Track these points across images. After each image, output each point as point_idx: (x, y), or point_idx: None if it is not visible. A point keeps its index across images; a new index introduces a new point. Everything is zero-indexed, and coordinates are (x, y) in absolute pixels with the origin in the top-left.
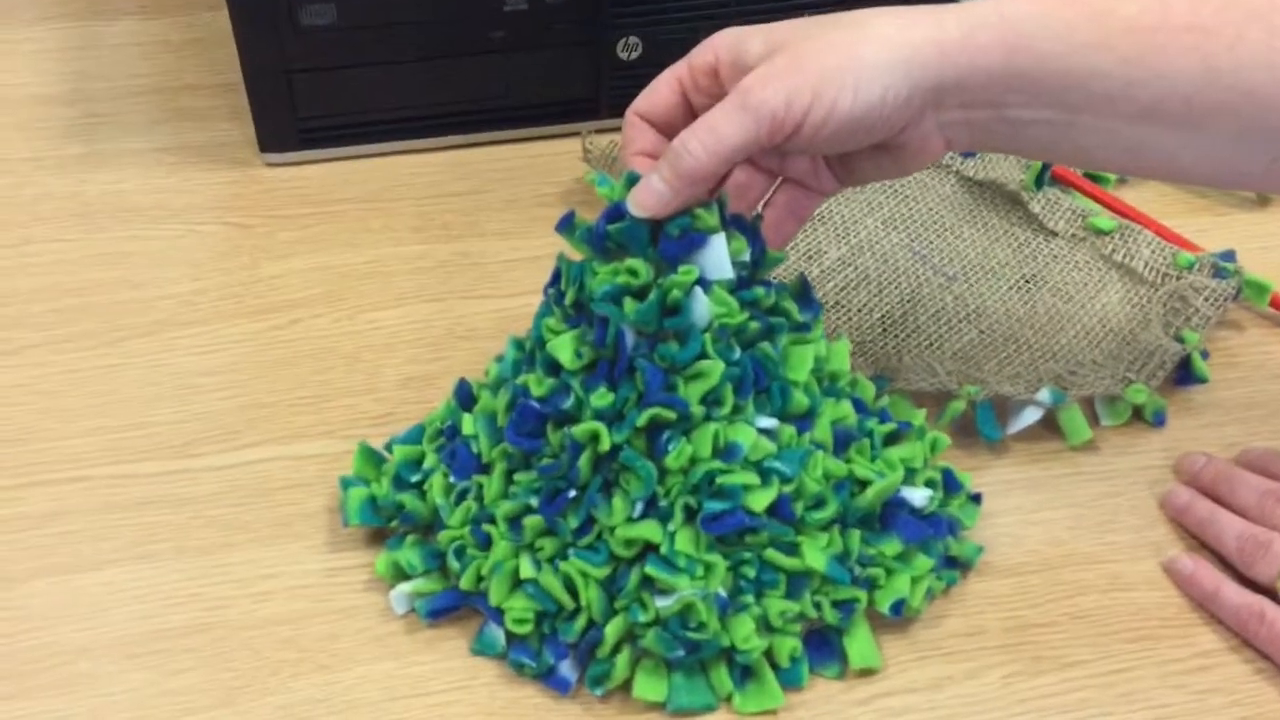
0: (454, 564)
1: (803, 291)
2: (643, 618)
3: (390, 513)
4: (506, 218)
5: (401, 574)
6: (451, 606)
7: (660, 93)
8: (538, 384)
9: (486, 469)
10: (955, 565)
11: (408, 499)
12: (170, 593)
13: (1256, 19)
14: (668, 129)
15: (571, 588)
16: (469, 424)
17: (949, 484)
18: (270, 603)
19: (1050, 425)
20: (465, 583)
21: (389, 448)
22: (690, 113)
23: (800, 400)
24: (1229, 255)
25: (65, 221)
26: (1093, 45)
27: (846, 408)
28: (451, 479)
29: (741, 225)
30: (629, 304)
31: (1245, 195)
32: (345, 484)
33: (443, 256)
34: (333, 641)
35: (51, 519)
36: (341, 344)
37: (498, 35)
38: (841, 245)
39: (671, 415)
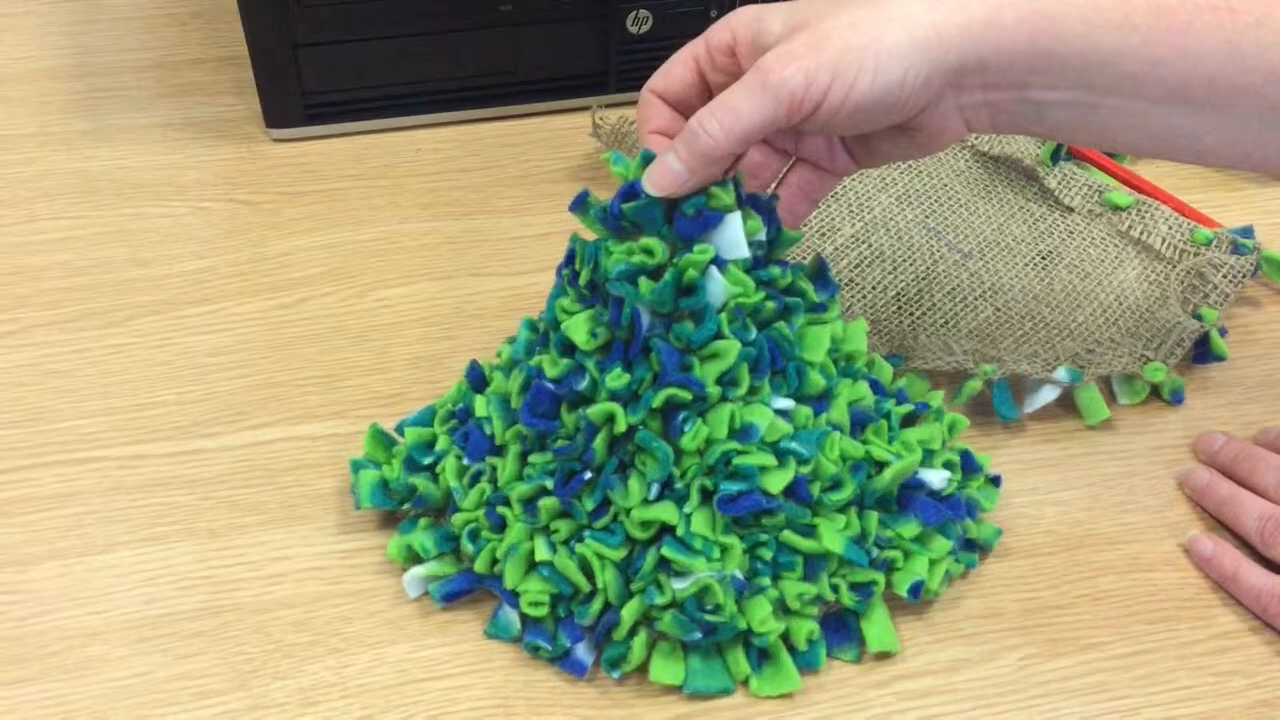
0: (468, 547)
1: (819, 272)
2: (659, 600)
3: (402, 495)
4: (515, 193)
5: (414, 557)
6: (466, 590)
7: (676, 71)
8: (552, 365)
9: (500, 451)
10: (974, 548)
11: (420, 482)
12: (181, 575)
13: None
14: (684, 107)
15: (587, 570)
16: (482, 406)
17: (967, 466)
18: (282, 585)
19: (1067, 404)
20: (480, 565)
21: (400, 430)
22: (707, 91)
23: (816, 381)
24: (1247, 231)
25: (71, 198)
26: (1117, 25)
27: (864, 389)
28: (465, 461)
29: (757, 205)
30: (644, 284)
31: None
32: (356, 466)
33: (451, 233)
34: (345, 624)
35: (61, 501)
36: (350, 323)
37: (506, 8)
38: (855, 222)
39: (687, 396)
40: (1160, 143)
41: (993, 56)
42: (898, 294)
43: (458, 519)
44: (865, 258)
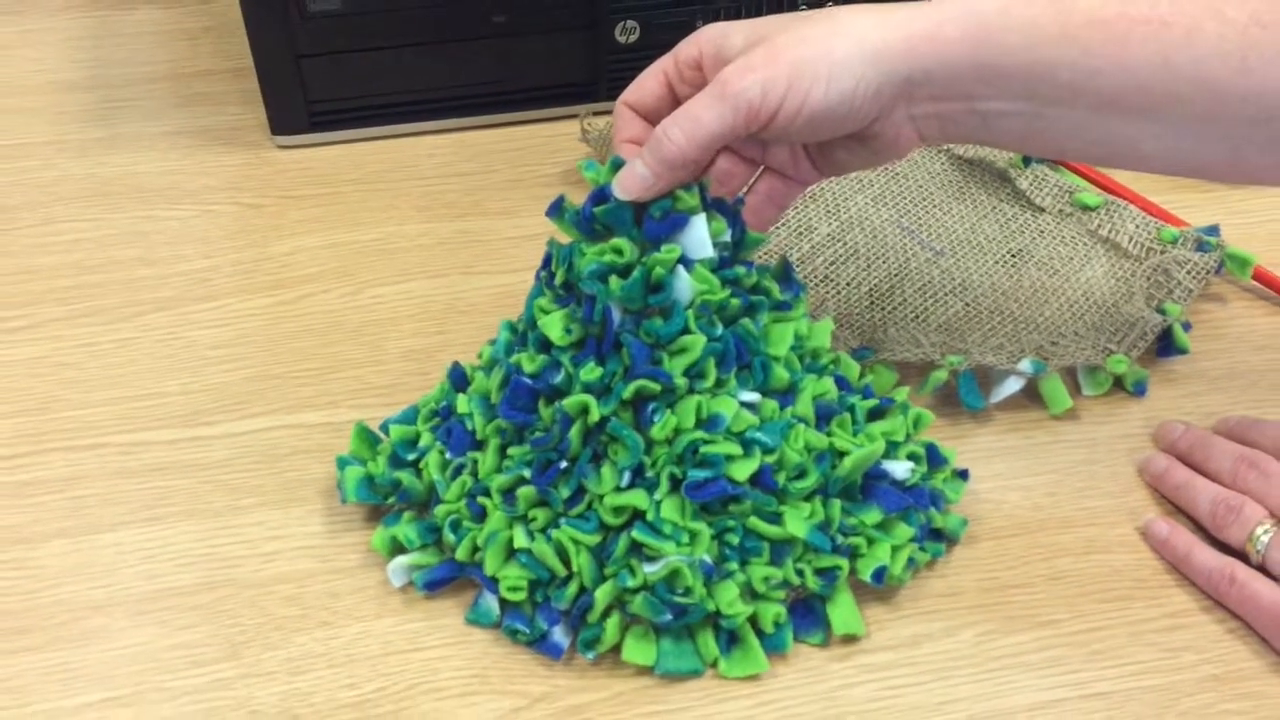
0: (450, 537)
1: (784, 272)
2: (631, 583)
3: (387, 490)
4: (508, 197)
5: (398, 548)
6: (448, 578)
7: (647, 85)
8: (529, 361)
9: (480, 445)
10: (940, 538)
11: (404, 476)
12: (180, 553)
13: (1212, 13)
14: (655, 118)
15: (563, 555)
16: (463, 403)
17: (933, 458)
18: (275, 563)
19: (1032, 395)
20: (461, 554)
21: (384, 429)
22: (676, 103)
23: (781, 375)
24: (1213, 230)
25: (85, 202)
26: (1056, 37)
27: (828, 384)
28: (447, 455)
29: (722, 208)
30: (614, 282)
31: None
32: (342, 463)
33: (445, 234)
34: (334, 600)
35: (68, 484)
36: (347, 318)
37: (500, 20)
38: (832, 221)
39: (656, 388)
40: (1102, 149)
41: (938, 69)
42: (870, 289)
43: (440, 510)
44: (840, 255)
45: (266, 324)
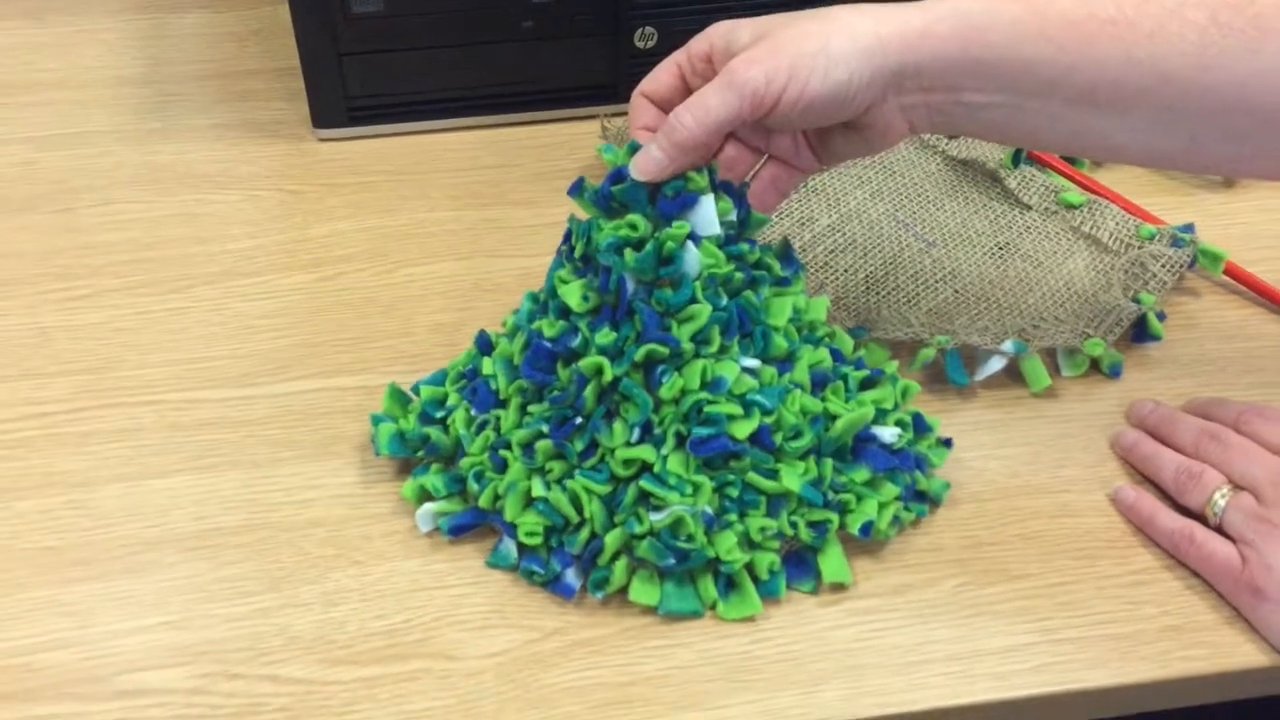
0: (474, 486)
1: (785, 251)
2: (638, 529)
3: (416, 445)
4: (531, 189)
5: (426, 497)
6: (471, 524)
7: (662, 77)
8: (550, 327)
9: (503, 404)
10: (924, 499)
11: (433, 432)
12: (226, 498)
13: (1174, 14)
14: (668, 107)
15: (577, 504)
16: (488, 366)
17: (919, 426)
18: (312, 508)
19: (1014, 374)
20: (483, 502)
21: (415, 390)
22: (688, 93)
23: (780, 344)
24: (1188, 228)
25: (141, 186)
26: (1034, 36)
27: (824, 354)
28: (473, 413)
29: (729, 190)
30: (629, 254)
31: (1211, 177)
32: (376, 420)
33: (472, 221)
34: (366, 542)
35: (126, 435)
36: (381, 294)
37: (527, 25)
38: (832, 213)
39: (665, 351)
40: (1076, 140)
41: (929, 62)
42: (866, 276)
43: (465, 462)
44: (839, 245)
45: (307, 298)
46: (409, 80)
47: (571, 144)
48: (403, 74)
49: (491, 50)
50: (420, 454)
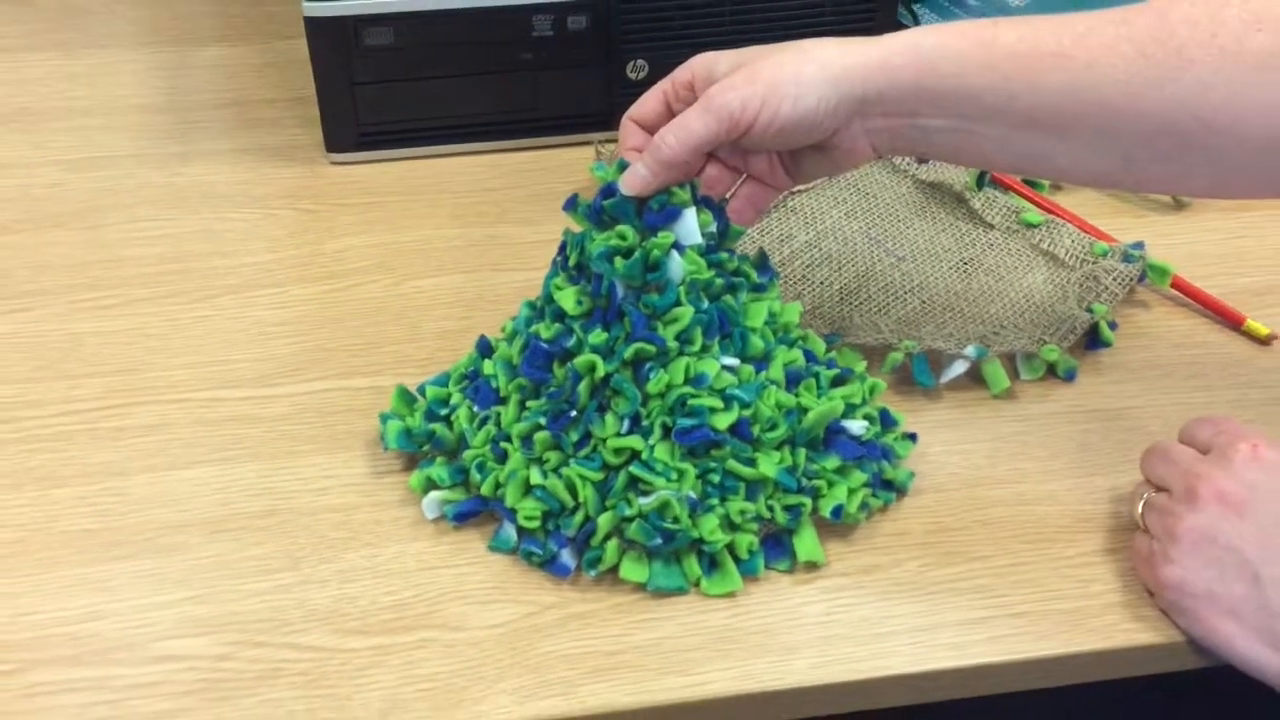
0: (476, 476)
1: (761, 261)
2: (628, 512)
3: (422, 440)
4: (530, 208)
5: (431, 486)
6: (474, 511)
7: (649, 103)
8: (546, 329)
9: (503, 401)
10: (891, 488)
11: (438, 428)
12: (248, 486)
13: (1108, 48)
14: (654, 131)
15: (572, 489)
16: (489, 366)
17: (885, 420)
18: (327, 496)
19: (976, 377)
20: (485, 490)
21: (421, 390)
22: (672, 117)
23: (757, 344)
24: (1138, 245)
25: (165, 205)
26: (982, 66)
27: (797, 354)
28: (475, 410)
29: (710, 204)
30: (619, 261)
31: (1163, 200)
32: (384, 418)
33: (476, 238)
34: (377, 525)
35: (155, 429)
36: (390, 304)
37: (527, 57)
38: (809, 231)
39: (652, 349)
40: (1024, 162)
41: (887, 90)
42: (841, 288)
43: (468, 454)
44: (815, 259)
45: (321, 307)
46: (417, 108)
47: (568, 168)
48: (411, 102)
49: (494, 81)
50: (426, 448)
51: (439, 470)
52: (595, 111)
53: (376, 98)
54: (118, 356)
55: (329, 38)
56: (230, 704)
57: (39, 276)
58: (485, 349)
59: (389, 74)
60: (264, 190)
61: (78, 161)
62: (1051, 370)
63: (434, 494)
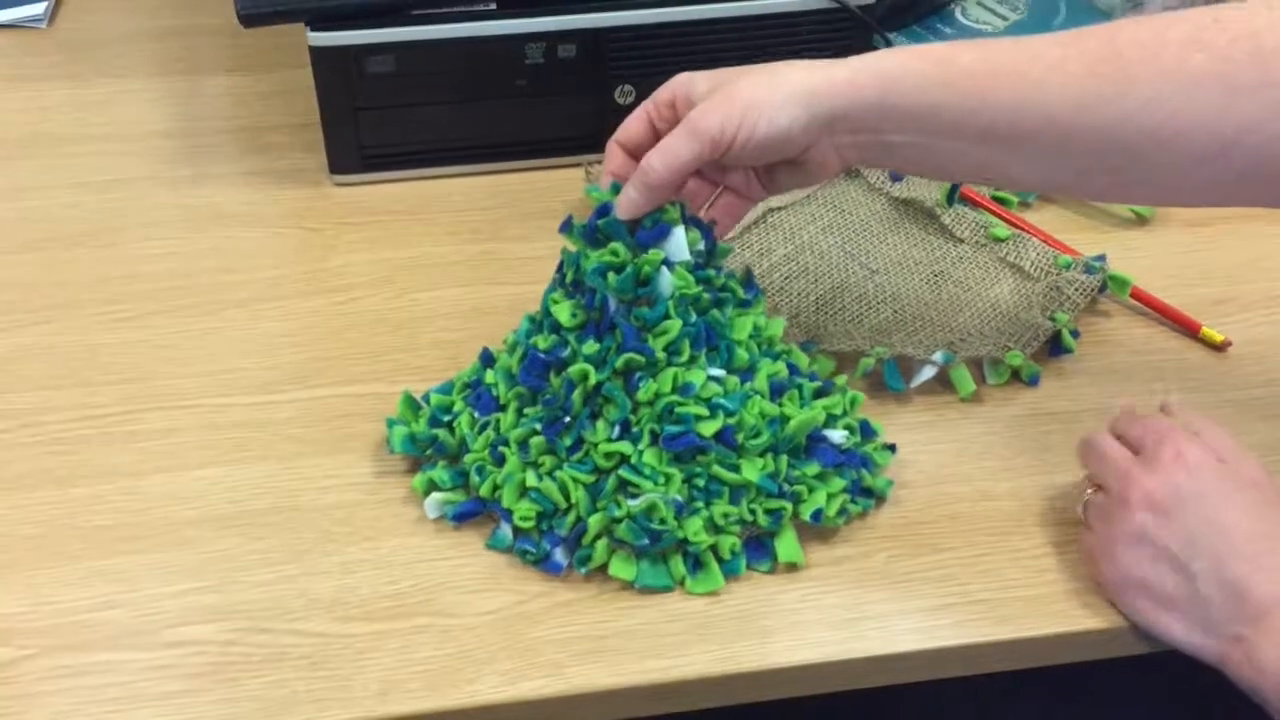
0: (475, 479)
1: (746, 278)
2: (617, 513)
3: (425, 444)
4: (524, 226)
5: (433, 488)
6: (473, 512)
7: (633, 126)
8: (543, 340)
9: (503, 408)
10: (870, 495)
11: (441, 433)
12: (255, 485)
13: (1056, 67)
14: (638, 152)
15: (565, 492)
16: (490, 376)
17: (865, 431)
18: (330, 495)
19: (945, 381)
20: (484, 491)
21: (425, 398)
22: (656, 137)
23: (742, 356)
24: (1100, 258)
25: (176, 225)
26: (940, 85)
27: (781, 367)
28: (476, 416)
29: (698, 223)
30: (612, 277)
31: (1125, 215)
32: (390, 423)
33: (472, 254)
34: (377, 521)
35: (167, 433)
36: (390, 316)
37: (521, 84)
38: (787, 245)
39: (641, 360)
40: (982, 172)
41: (854, 108)
42: (817, 299)
43: (469, 458)
44: (793, 272)
45: (324, 319)
46: (416, 132)
47: (560, 188)
48: (410, 127)
49: (489, 106)
50: (429, 452)
51: (440, 473)
52: (585, 134)
53: (378, 122)
54: (132, 365)
55: (333, 66)
56: (238, 685)
57: (59, 291)
58: (487, 359)
59: (390, 100)
60: (271, 210)
61: (95, 184)
62: (1016, 375)
63: (435, 495)
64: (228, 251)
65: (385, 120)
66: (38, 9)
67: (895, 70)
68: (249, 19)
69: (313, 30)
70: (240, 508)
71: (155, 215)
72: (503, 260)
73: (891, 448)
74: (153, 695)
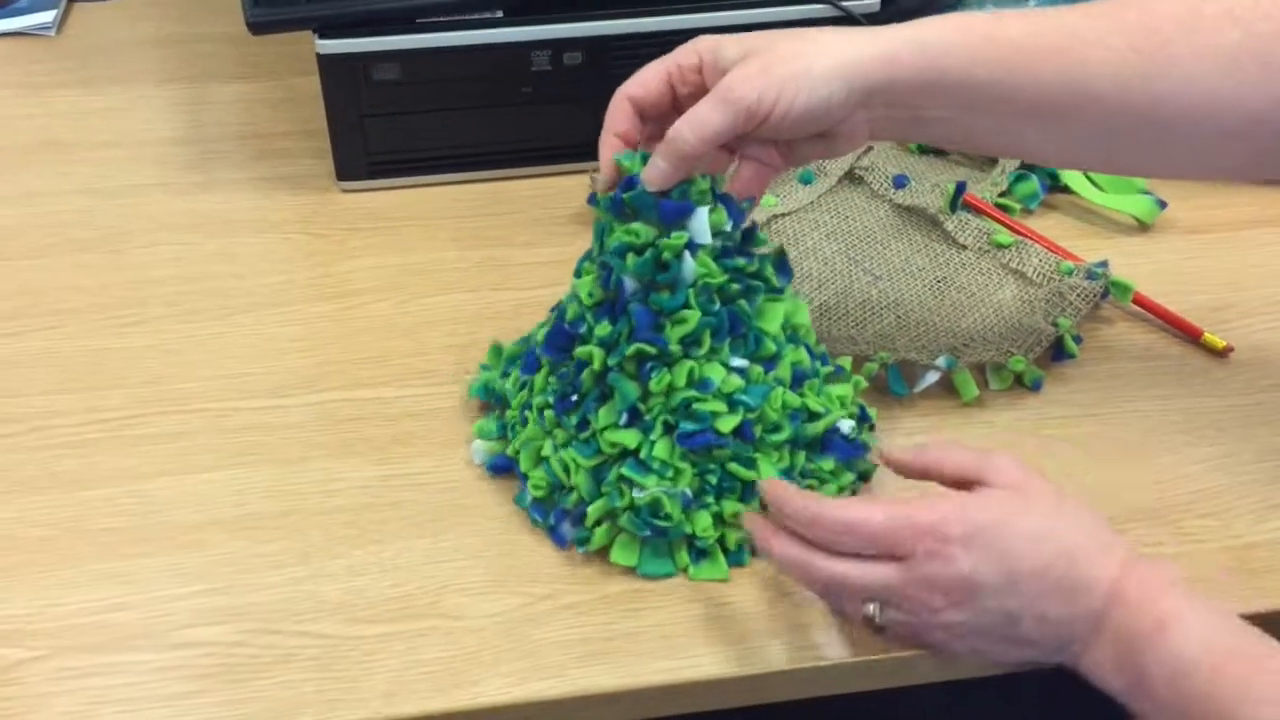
0: (509, 435)
1: (780, 261)
2: (620, 503)
3: (492, 395)
4: (528, 232)
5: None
6: (505, 466)
7: (651, 83)
8: (572, 309)
9: (539, 370)
10: (866, 479)
11: (499, 383)
12: (263, 488)
13: (1099, 42)
14: (651, 112)
15: (568, 471)
16: (540, 334)
17: (862, 416)
18: (337, 497)
19: (948, 386)
20: (510, 451)
21: (498, 350)
22: (675, 99)
23: (769, 346)
24: (1102, 264)
25: (185, 231)
26: (983, 60)
27: (803, 353)
28: (521, 374)
29: (728, 202)
30: (630, 258)
31: (1128, 222)
32: (482, 368)
33: (476, 260)
34: (383, 524)
35: (175, 437)
36: (396, 321)
37: (526, 91)
38: (792, 251)
39: (653, 350)
40: (1015, 147)
41: (894, 84)
42: (821, 304)
43: (509, 414)
44: (798, 278)
45: (331, 324)
46: (422, 139)
47: (563, 195)
48: (417, 134)
49: (494, 113)
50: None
51: (489, 423)
52: (590, 142)
53: (384, 130)
54: (140, 370)
55: (340, 74)
56: (246, 685)
57: (68, 296)
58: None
59: (396, 107)
60: (278, 216)
61: (104, 190)
62: (1019, 380)
63: (478, 443)
64: (236, 257)
65: (392, 127)
66: (47, 17)
67: (937, 45)
68: (257, 27)
69: (321, 38)
70: (247, 511)
71: (164, 221)
72: (508, 266)
73: (871, 425)
74: (162, 696)
